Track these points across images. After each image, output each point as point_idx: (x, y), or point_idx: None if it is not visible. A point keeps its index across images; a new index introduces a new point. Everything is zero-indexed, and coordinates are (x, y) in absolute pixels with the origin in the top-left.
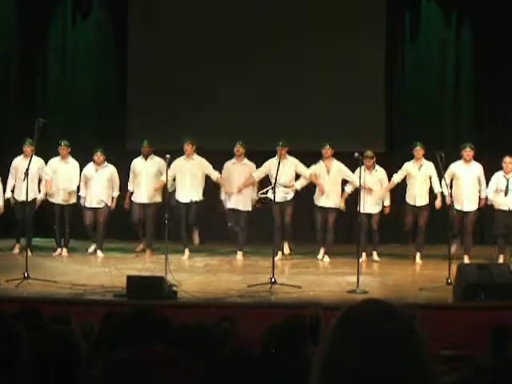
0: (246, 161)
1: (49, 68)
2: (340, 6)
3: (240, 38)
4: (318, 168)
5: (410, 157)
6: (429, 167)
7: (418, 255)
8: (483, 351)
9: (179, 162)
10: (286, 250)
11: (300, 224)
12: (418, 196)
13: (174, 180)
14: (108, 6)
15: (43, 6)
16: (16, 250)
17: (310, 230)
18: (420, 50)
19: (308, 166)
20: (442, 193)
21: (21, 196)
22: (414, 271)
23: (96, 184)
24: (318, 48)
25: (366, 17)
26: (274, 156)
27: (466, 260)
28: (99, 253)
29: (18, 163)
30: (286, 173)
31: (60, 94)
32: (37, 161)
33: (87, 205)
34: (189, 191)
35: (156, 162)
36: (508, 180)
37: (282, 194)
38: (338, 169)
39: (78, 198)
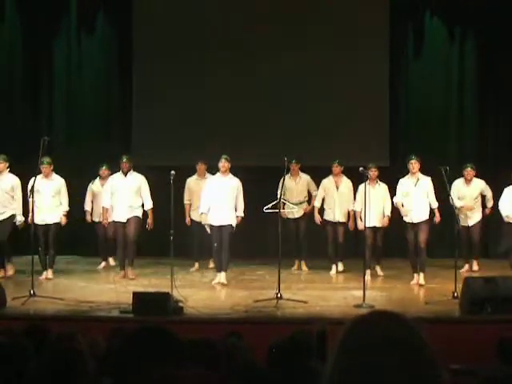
0: (230, 176)
1: (53, 84)
2: (342, 21)
3: (247, 50)
4: (327, 183)
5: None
6: (425, 182)
7: (421, 276)
8: (490, 364)
9: (192, 181)
10: (303, 267)
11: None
12: (414, 212)
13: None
14: (113, 22)
15: (48, 22)
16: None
17: (316, 244)
18: (424, 64)
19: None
20: (438, 208)
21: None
22: (420, 285)
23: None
24: (320, 61)
25: (369, 32)
26: (282, 171)
27: (475, 267)
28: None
29: None
30: (298, 190)
31: (65, 110)
32: (10, 178)
33: (114, 219)
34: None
35: (136, 178)
36: None
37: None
38: (347, 186)
39: (85, 213)
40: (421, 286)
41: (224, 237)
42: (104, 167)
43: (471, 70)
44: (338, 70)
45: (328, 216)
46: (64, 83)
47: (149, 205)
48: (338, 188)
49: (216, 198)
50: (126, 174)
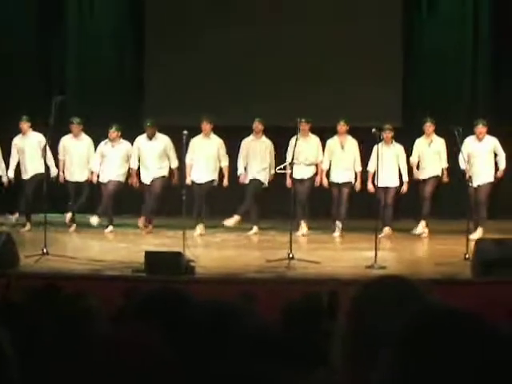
0: (264, 138)
1: (66, 43)
2: None
3: (260, 9)
4: (332, 143)
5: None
6: (439, 143)
7: (422, 223)
8: (500, 326)
9: (196, 140)
10: (304, 228)
11: (317, 199)
12: (426, 170)
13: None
14: None
15: None
16: (27, 227)
17: (327, 205)
18: (438, 22)
19: (321, 141)
20: (448, 168)
21: (25, 174)
22: (431, 246)
23: (111, 161)
24: (333, 17)
25: None
26: (293, 132)
27: (480, 233)
28: (110, 228)
29: (17, 141)
30: (308, 150)
31: (76, 70)
32: (37, 136)
33: (103, 181)
34: (204, 171)
35: (161, 140)
36: None
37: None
38: (353, 146)
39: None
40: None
41: (249, 190)
42: (113, 128)
43: (485, 28)
44: (350, 27)
45: (333, 178)
46: (76, 39)
47: (175, 164)
48: (343, 148)
49: (250, 159)
50: (150, 138)
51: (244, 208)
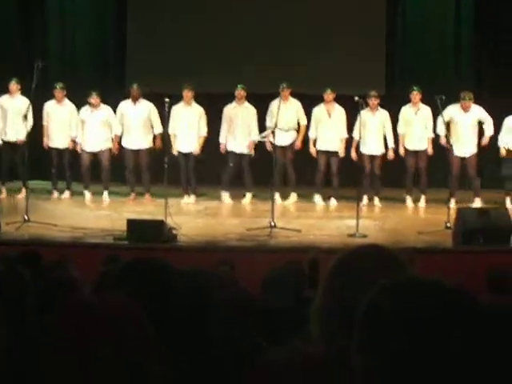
0: (246, 104)
1: (47, 11)
2: None
3: None
4: (319, 111)
5: (409, 99)
6: (426, 111)
7: (422, 198)
8: (481, 294)
9: (177, 108)
10: (293, 198)
11: (301, 167)
12: (416, 140)
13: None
14: None
15: None
16: (3, 194)
17: (311, 173)
18: None
19: (306, 110)
20: (435, 137)
21: (8, 136)
22: (413, 215)
23: (91, 127)
24: None
25: None
26: (276, 98)
27: (478, 203)
28: (105, 195)
29: (3, 101)
30: (288, 115)
31: (59, 35)
32: (22, 100)
33: (85, 148)
34: (186, 140)
35: (145, 106)
36: None
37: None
38: (340, 114)
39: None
40: (421, 207)
41: (244, 166)
42: (94, 95)
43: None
44: None
45: (321, 146)
46: (57, 7)
47: (158, 129)
48: (330, 116)
49: (233, 126)
50: (135, 102)
51: (248, 181)
